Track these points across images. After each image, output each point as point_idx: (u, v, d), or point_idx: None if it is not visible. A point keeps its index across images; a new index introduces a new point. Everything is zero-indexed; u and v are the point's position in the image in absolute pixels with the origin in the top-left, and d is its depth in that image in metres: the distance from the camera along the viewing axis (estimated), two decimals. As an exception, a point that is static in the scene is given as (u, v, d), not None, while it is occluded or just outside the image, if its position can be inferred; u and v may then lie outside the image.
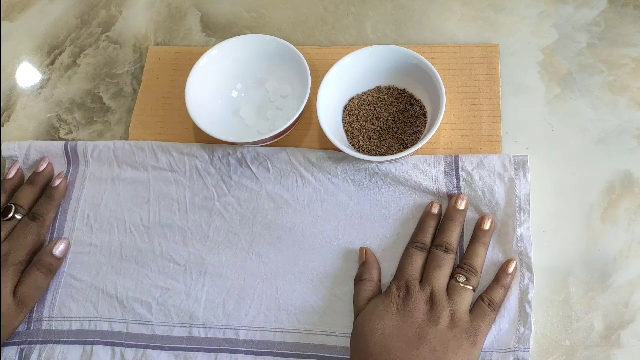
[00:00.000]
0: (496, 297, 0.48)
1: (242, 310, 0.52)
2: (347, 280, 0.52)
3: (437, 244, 0.50)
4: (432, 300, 0.47)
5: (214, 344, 0.51)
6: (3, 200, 0.56)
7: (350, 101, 0.57)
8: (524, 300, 0.48)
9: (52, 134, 0.62)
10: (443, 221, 0.51)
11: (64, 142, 0.59)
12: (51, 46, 0.67)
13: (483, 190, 0.52)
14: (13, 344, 0.53)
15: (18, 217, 0.55)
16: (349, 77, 0.56)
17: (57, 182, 0.57)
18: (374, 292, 0.49)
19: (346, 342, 0.50)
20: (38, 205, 0.56)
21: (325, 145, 0.56)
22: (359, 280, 0.51)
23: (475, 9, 0.62)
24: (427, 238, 0.51)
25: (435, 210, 0.52)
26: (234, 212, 0.55)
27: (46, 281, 0.53)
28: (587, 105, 0.56)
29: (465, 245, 0.51)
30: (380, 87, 0.58)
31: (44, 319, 0.53)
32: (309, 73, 0.55)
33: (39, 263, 0.53)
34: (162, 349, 0.51)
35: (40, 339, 0.53)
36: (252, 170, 0.56)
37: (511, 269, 0.49)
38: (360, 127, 0.56)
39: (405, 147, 0.54)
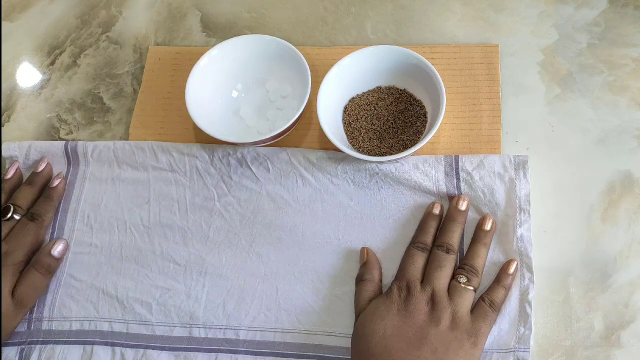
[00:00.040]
0: (497, 298, 0.48)
1: (242, 310, 0.52)
2: (347, 280, 0.52)
3: (438, 244, 0.50)
4: (433, 301, 0.47)
5: (214, 344, 0.51)
6: (2, 200, 0.56)
7: (350, 101, 0.57)
8: (524, 300, 0.48)
9: (52, 134, 0.62)
10: (444, 221, 0.51)
11: (64, 142, 0.59)
12: (51, 46, 0.67)
13: (483, 191, 0.52)
14: (13, 344, 0.53)
15: (16, 217, 0.55)
16: (349, 77, 0.56)
17: (56, 183, 0.57)
18: (374, 292, 0.49)
19: (346, 342, 0.50)
20: (36, 206, 0.56)
21: (325, 145, 0.56)
22: (359, 280, 0.51)
23: (475, 9, 0.62)
24: (428, 238, 0.51)
25: (437, 210, 0.52)
26: (234, 212, 0.55)
27: (44, 281, 0.53)
28: (587, 105, 0.56)
29: (465, 246, 0.51)
30: (380, 87, 0.58)
31: (44, 319, 0.53)
32: (309, 73, 0.55)
33: (37, 263, 0.53)
34: (162, 349, 0.51)
35: (40, 339, 0.53)
36: (252, 170, 0.56)
37: (512, 270, 0.49)
38: (360, 127, 0.56)
39: (405, 147, 0.54)
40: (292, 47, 0.57)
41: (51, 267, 0.54)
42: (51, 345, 0.52)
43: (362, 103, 0.57)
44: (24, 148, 0.59)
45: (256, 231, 0.54)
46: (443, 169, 0.53)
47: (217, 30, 0.65)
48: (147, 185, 0.57)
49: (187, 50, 0.64)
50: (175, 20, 0.66)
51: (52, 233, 0.56)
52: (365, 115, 0.57)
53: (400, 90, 0.57)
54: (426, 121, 0.55)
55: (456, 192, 0.52)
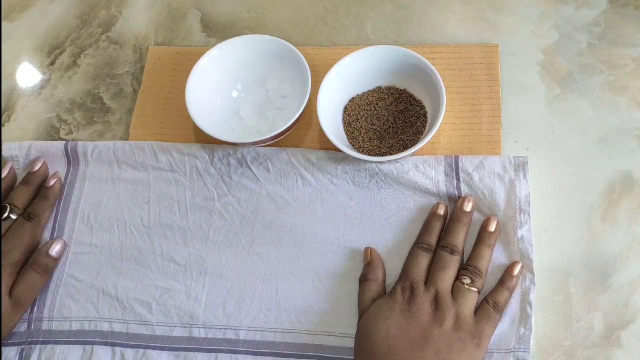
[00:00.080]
0: (501, 299, 0.48)
1: (242, 310, 0.52)
2: (348, 280, 0.52)
3: (443, 245, 0.50)
4: (436, 301, 0.47)
5: (214, 344, 0.51)
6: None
7: (350, 101, 0.57)
8: (525, 301, 0.48)
9: (52, 134, 0.62)
10: (449, 222, 0.51)
11: (63, 142, 0.59)
12: (51, 46, 0.67)
13: (483, 191, 0.52)
14: (13, 344, 0.53)
15: (13, 216, 0.55)
16: (349, 77, 0.56)
17: (52, 182, 0.57)
18: (378, 292, 0.49)
19: (346, 342, 0.50)
20: (33, 205, 0.56)
21: (325, 145, 0.56)
22: (363, 280, 0.51)
23: (475, 9, 0.62)
24: (433, 239, 0.51)
25: (441, 211, 0.52)
26: (234, 212, 0.55)
27: (42, 281, 0.53)
28: (587, 105, 0.56)
29: (468, 247, 0.51)
30: (380, 87, 0.58)
31: (44, 319, 0.53)
32: (309, 73, 0.55)
33: (35, 263, 0.53)
34: (162, 349, 0.51)
35: (40, 339, 0.53)
36: (252, 170, 0.56)
37: (516, 271, 0.49)
38: (360, 127, 0.56)
39: (405, 147, 0.54)
40: (292, 47, 0.57)
41: (49, 267, 0.54)
42: (51, 345, 0.52)
43: (362, 103, 0.57)
44: (24, 148, 0.59)
45: (256, 231, 0.54)
46: (443, 169, 0.53)
47: (217, 30, 0.65)
48: (147, 185, 0.57)
49: (187, 50, 0.64)
50: (175, 20, 0.66)
51: (52, 233, 0.56)
52: (365, 115, 0.57)
53: (400, 90, 0.57)
54: (426, 121, 0.55)
55: (456, 192, 0.52)
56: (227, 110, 0.59)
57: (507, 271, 0.49)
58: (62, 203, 0.57)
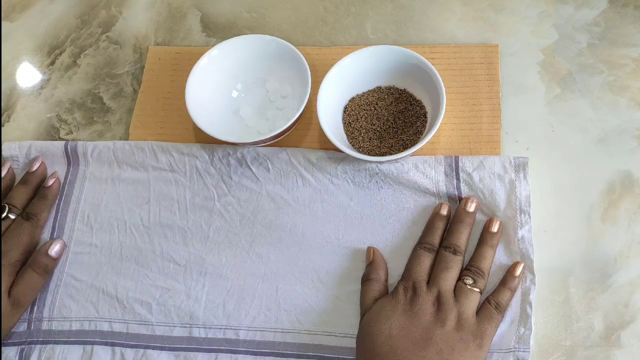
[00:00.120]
0: (503, 300, 0.48)
1: (242, 310, 0.52)
2: (348, 280, 0.52)
3: (446, 245, 0.50)
4: (439, 302, 0.47)
5: (214, 344, 0.51)
6: None
7: (350, 101, 0.57)
8: (525, 301, 0.48)
9: (52, 134, 0.62)
10: (452, 223, 0.51)
11: (63, 142, 0.59)
12: (51, 46, 0.67)
13: (483, 192, 0.52)
14: (13, 344, 0.53)
15: (12, 216, 0.55)
16: (349, 77, 0.56)
17: (50, 182, 0.57)
18: (380, 292, 0.49)
19: (346, 342, 0.50)
20: (31, 205, 0.56)
21: (325, 145, 0.56)
22: (365, 279, 0.51)
23: (475, 9, 0.62)
24: (436, 239, 0.51)
25: (444, 211, 0.52)
26: (234, 212, 0.55)
27: (41, 281, 0.53)
28: (587, 105, 0.56)
29: (470, 247, 0.51)
30: (380, 87, 0.58)
31: (44, 319, 0.53)
32: (309, 73, 0.55)
33: (34, 263, 0.53)
34: (162, 349, 0.51)
35: (40, 339, 0.53)
36: (252, 170, 0.56)
37: (518, 272, 0.49)
38: (360, 127, 0.56)
39: (405, 147, 0.54)
40: (292, 47, 0.57)
41: (48, 267, 0.54)
42: (51, 345, 0.52)
43: (362, 103, 0.57)
44: (24, 148, 0.59)
45: (256, 231, 0.54)
46: (443, 169, 0.53)
47: (217, 30, 0.65)
48: (147, 185, 0.57)
49: (187, 50, 0.64)
50: (175, 20, 0.66)
51: (52, 233, 0.56)
52: (365, 115, 0.57)
53: (400, 90, 0.57)
54: (426, 121, 0.55)
55: (456, 192, 0.52)
56: (227, 110, 0.59)
57: (509, 272, 0.49)
58: (62, 203, 0.57)
